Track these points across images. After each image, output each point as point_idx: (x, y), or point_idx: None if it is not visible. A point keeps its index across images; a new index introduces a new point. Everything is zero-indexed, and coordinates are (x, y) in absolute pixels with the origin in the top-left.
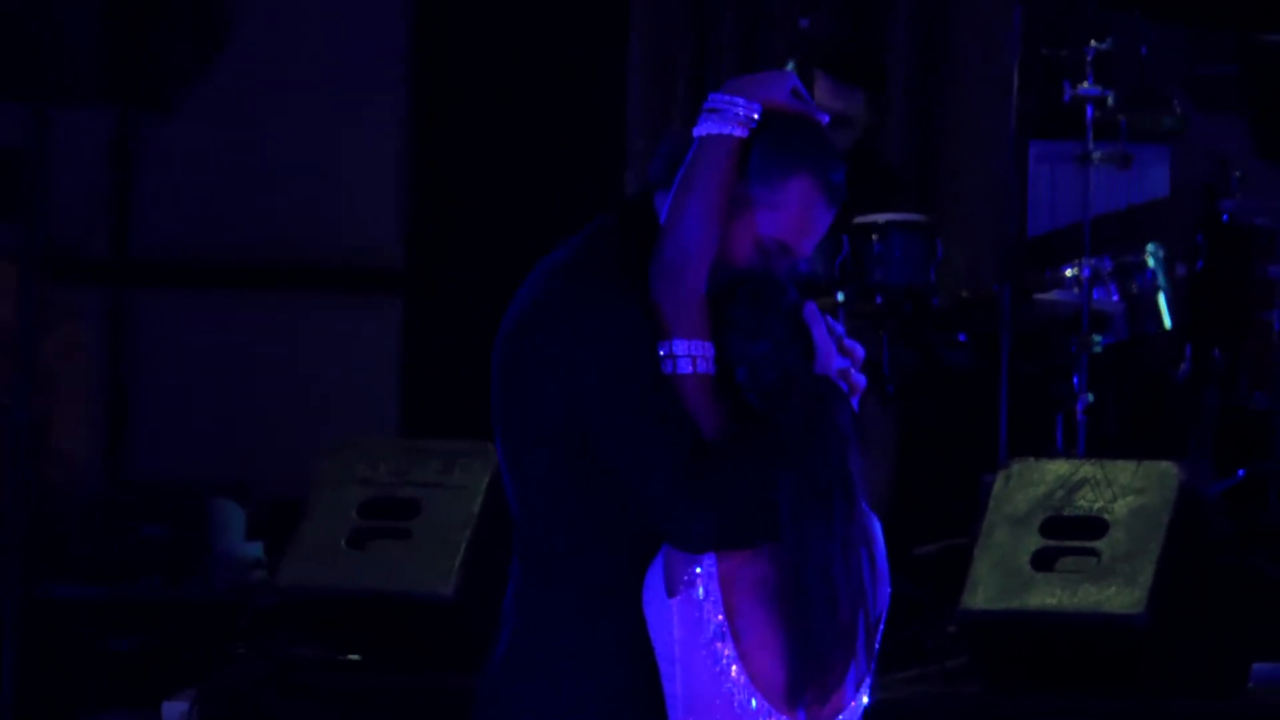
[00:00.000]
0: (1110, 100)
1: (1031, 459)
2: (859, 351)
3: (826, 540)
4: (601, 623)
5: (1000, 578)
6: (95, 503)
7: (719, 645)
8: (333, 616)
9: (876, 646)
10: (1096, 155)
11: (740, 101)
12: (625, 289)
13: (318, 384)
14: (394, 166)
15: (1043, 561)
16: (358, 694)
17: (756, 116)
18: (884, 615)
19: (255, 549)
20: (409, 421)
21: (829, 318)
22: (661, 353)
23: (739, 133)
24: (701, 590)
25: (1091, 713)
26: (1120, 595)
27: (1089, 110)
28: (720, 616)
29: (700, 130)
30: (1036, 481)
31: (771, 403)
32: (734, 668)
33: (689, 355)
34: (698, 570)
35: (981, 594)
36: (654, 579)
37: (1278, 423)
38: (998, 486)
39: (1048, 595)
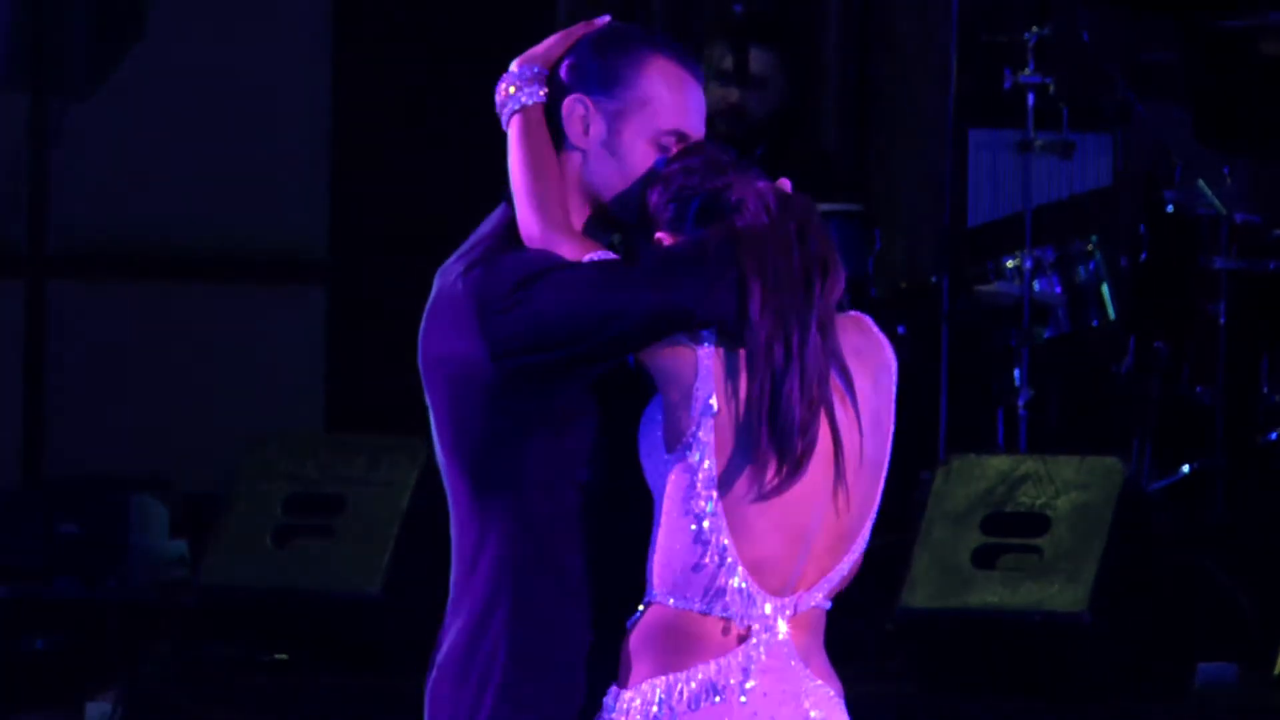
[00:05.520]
0: (1051, 88)
1: (972, 454)
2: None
3: (788, 331)
4: (523, 625)
5: (940, 576)
6: (9, 499)
7: (708, 525)
8: (257, 616)
9: (874, 509)
10: (1038, 143)
11: (511, 73)
12: None
13: (241, 376)
14: (318, 154)
15: (983, 559)
16: (282, 694)
17: (536, 70)
18: (885, 464)
19: (179, 546)
20: (334, 414)
21: None
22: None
23: (528, 100)
24: (697, 455)
25: (1033, 713)
26: (1063, 593)
27: (1030, 98)
28: (713, 493)
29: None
30: (977, 477)
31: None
32: (725, 539)
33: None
34: (696, 434)
35: (921, 592)
36: (653, 432)
37: (1221, 417)
38: (937, 483)
39: (988, 593)
